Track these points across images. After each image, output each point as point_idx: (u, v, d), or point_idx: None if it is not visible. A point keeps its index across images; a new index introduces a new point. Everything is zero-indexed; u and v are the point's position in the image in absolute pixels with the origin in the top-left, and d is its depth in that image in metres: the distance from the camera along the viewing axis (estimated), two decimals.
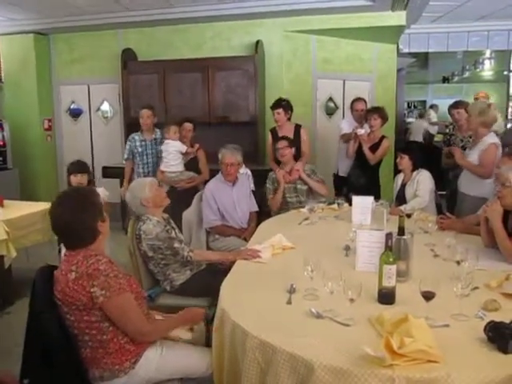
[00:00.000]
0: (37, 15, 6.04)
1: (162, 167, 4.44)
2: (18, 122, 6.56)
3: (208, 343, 2.28)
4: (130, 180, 4.58)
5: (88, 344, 1.76)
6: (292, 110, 4.51)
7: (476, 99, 4.62)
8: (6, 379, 1.14)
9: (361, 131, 4.37)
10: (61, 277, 1.74)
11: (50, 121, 6.87)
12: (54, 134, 6.99)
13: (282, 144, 3.97)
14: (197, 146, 4.53)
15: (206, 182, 4.36)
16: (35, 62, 6.59)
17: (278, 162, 4.15)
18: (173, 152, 4.39)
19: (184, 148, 4.41)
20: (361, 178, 4.44)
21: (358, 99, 4.89)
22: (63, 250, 2.22)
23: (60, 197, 1.82)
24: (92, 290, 1.68)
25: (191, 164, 4.51)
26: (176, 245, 2.64)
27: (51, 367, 1.66)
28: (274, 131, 4.57)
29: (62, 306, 1.73)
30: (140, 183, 2.79)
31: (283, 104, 4.42)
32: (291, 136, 4.32)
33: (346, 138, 4.73)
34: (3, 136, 5.93)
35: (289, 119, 4.50)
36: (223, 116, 5.74)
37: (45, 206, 4.13)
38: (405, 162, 3.77)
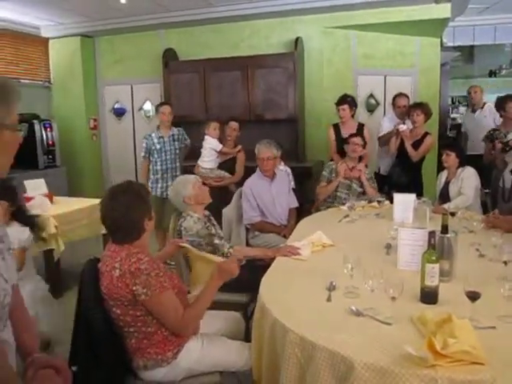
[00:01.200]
0: (83, 19, 6.27)
1: (199, 161, 4.54)
2: (66, 122, 6.83)
3: (247, 338, 2.32)
4: (147, 178, 4.69)
5: (133, 335, 1.82)
6: (356, 107, 4.53)
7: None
8: (58, 364, 1.20)
9: (403, 127, 4.28)
10: (106, 273, 1.80)
11: (95, 120, 7.12)
12: (99, 133, 7.24)
13: (358, 140, 4.00)
14: (239, 147, 4.57)
15: (238, 183, 4.41)
16: (81, 64, 6.84)
17: (341, 156, 4.19)
18: (207, 148, 4.45)
19: (219, 146, 4.46)
20: (402, 175, 4.35)
21: (400, 95, 4.80)
22: None
23: (112, 191, 1.86)
24: (134, 288, 1.73)
25: (229, 163, 4.55)
26: (216, 241, 2.68)
27: (98, 355, 1.73)
28: (336, 126, 4.60)
29: (107, 299, 1.80)
30: (184, 180, 2.82)
31: (349, 100, 4.48)
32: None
33: (385, 139, 4.66)
34: (52, 136, 6.16)
35: (352, 116, 4.50)
36: (263, 114, 5.76)
37: (91, 202, 4.30)
38: (451, 159, 3.66)
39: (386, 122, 4.77)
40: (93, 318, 1.75)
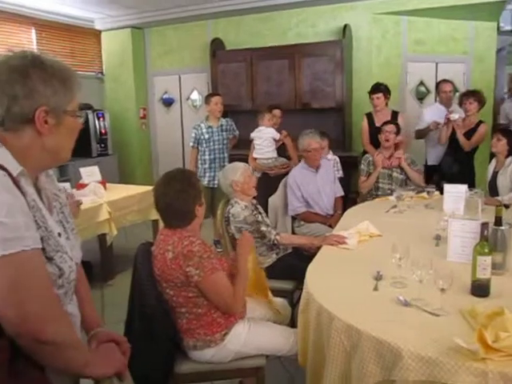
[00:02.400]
0: (133, 11, 6.43)
1: (255, 154, 4.53)
2: (117, 112, 7.08)
3: (292, 324, 2.35)
4: (195, 167, 4.76)
5: (184, 315, 1.91)
6: (390, 95, 4.44)
7: None
8: (118, 338, 1.28)
9: (454, 116, 4.14)
10: (159, 255, 1.88)
11: (144, 110, 7.33)
12: (149, 123, 7.44)
13: (390, 127, 3.92)
14: (284, 132, 4.57)
15: None
16: (132, 55, 7.04)
17: (375, 146, 4.11)
18: (268, 138, 4.47)
19: (277, 135, 4.47)
20: (453, 166, 4.22)
21: (444, 80, 4.66)
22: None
23: (166, 177, 1.96)
24: (187, 269, 1.80)
25: (278, 150, 4.58)
26: (263, 228, 2.73)
27: (151, 333, 1.82)
28: (369, 115, 4.53)
29: (160, 281, 1.89)
30: (234, 166, 2.87)
31: (383, 88, 4.38)
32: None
33: (422, 133, 4.55)
34: (104, 125, 6.41)
35: (386, 104, 4.43)
36: (309, 102, 5.73)
37: (141, 189, 4.45)
38: (501, 144, 3.51)
39: (427, 115, 4.62)
40: (147, 297, 1.85)
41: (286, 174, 4.31)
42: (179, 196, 1.88)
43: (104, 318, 3.35)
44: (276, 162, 4.46)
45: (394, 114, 4.45)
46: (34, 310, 0.97)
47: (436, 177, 4.44)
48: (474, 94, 4.18)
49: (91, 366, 1.10)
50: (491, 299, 1.75)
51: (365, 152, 4.44)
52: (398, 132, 3.95)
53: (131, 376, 1.74)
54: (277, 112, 4.65)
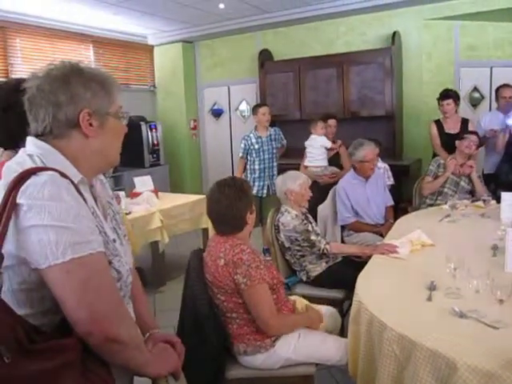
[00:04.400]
0: (184, 25, 6.65)
1: (306, 162, 4.55)
2: (168, 123, 7.30)
3: (342, 334, 2.33)
4: (243, 177, 4.77)
5: (235, 321, 1.94)
6: (459, 101, 4.34)
7: None
8: (173, 339, 1.33)
9: None
10: (210, 262, 1.93)
11: (195, 121, 7.52)
12: (199, 133, 7.63)
13: (474, 138, 3.84)
14: (339, 142, 4.57)
15: None
16: (183, 68, 7.26)
17: (450, 152, 4.05)
18: (318, 147, 4.48)
19: (329, 143, 4.48)
20: (510, 174, 4.04)
21: (505, 85, 4.47)
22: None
23: (219, 184, 2.01)
24: (235, 277, 1.84)
25: (334, 160, 4.57)
26: (313, 237, 2.72)
27: (202, 336, 1.86)
28: (438, 122, 4.45)
29: (212, 287, 1.93)
30: (296, 175, 2.90)
31: (452, 94, 4.30)
32: (457, 129, 4.25)
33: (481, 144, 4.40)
34: (157, 136, 6.63)
35: (456, 111, 4.35)
36: (358, 111, 5.68)
37: (192, 198, 4.56)
38: None
39: (484, 122, 4.44)
40: (199, 302, 1.89)
41: (336, 183, 4.29)
42: (232, 203, 1.92)
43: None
44: (326, 170, 4.45)
45: (465, 121, 4.34)
46: (105, 310, 1.02)
47: (492, 185, 4.26)
48: None
49: (149, 366, 1.14)
50: None
51: (435, 155, 4.33)
52: (479, 145, 3.89)
53: (186, 377, 1.79)
54: (332, 122, 4.66)
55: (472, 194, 3.84)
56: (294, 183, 2.79)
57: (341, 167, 4.53)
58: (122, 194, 3.97)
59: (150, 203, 4.07)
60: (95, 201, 1.18)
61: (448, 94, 4.29)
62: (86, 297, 0.99)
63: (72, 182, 1.05)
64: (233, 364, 2.01)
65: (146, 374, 1.15)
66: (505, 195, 2.98)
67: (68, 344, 0.98)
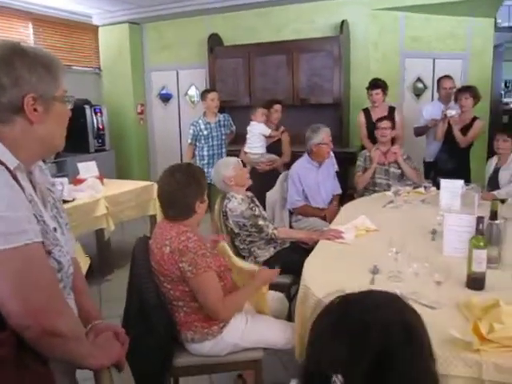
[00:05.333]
0: (130, 6, 6.41)
1: (246, 148, 4.55)
2: (114, 107, 7.05)
3: (290, 318, 2.37)
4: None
5: (182, 309, 1.92)
6: (388, 91, 4.46)
7: None
8: (116, 329, 1.29)
9: (451, 112, 4.15)
10: (156, 249, 1.89)
11: (142, 105, 7.31)
12: (146, 118, 7.43)
13: (385, 124, 3.94)
14: (282, 128, 4.58)
15: (287, 164, 4.42)
16: (129, 51, 7.02)
17: (373, 141, 4.15)
18: (256, 134, 4.47)
19: (268, 131, 4.47)
20: (449, 161, 4.24)
21: (445, 76, 4.67)
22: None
23: (173, 168, 1.98)
24: (181, 264, 1.81)
25: (275, 146, 4.58)
26: (260, 222, 2.74)
27: (149, 325, 1.83)
28: (366, 111, 4.55)
29: (158, 275, 1.90)
30: (225, 162, 2.89)
31: (381, 84, 4.41)
32: None
33: (420, 131, 4.57)
34: (102, 120, 6.39)
35: (383, 100, 4.46)
36: (307, 98, 5.73)
37: (139, 184, 4.47)
38: (508, 145, 3.54)
39: (426, 112, 4.63)
40: (145, 291, 1.86)
41: (274, 170, 4.34)
42: (181, 187, 1.89)
43: (102, 313, 3.36)
44: (262, 157, 4.46)
45: (391, 110, 4.47)
46: (42, 302, 0.98)
47: (433, 173, 4.46)
48: (469, 90, 4.19)
49: (91, 358, 1.11)
50: (486, 292, 1.77)
51: (363, 147, 4.45)
52: (393, 127, 3.97)
53: (131, 367, 1.76)
54: (278, 107, 4.63)
55: (404, 177, 3.91)
56: (227, 169, 2.78)
57: (280, 154, 4.56)
58: (64, 180, 3.81)
59: (94, 190, 3.94)
60: (34, 188, 1.13)
61: (377, 84, 4.41)
62: (21, 288, 0.95)
63: (7, 169, 0.99)
64: (181, 352, 1.99)
65: (87, 366, 1.11)
66: (444, 182, 3.12)
67: (0, 339, 0.93)
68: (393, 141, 4.05)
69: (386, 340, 0.73)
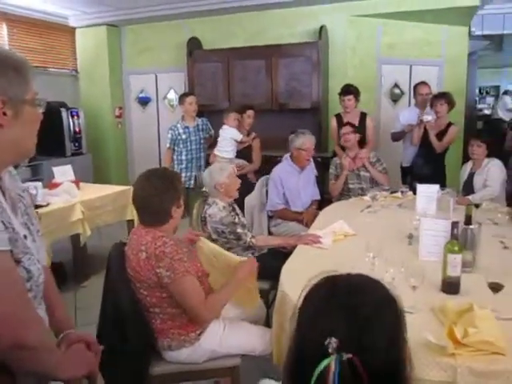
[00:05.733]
0: (108, 8, 6.33)
1: (215, 151, 4.53)
2: (92, 110, 6.95)
3: (267, 324, 2.36)
4: (171, 168, 4.71)
5: (158, 316, 1.88)
6: (360, 96, 4.50)
7: None
8: (88, 339, 1.26)
9: (427, 118, 4.22)
10: (132, 255, 1.86)
11: (120, 109, 7.22)
12: (125, 122, 7.34)
13: (346, 129, 3.98)
14: (253, 134, 4.57)
15: (257, 171, 4.42)
16: (107, 53, 6.93)
17: (344, 148, 4.15)
18: (228, 138, 4.46)
19: (239, 136, 4.47)
20: (425, 166, 4.31)
21: (422, 83, 4.75)
22: None
23: (148, 173, 1.94)
24: (158, 270, 1.78)
25: (245, 152, 4.57)
26: (239, 230, 2.73)
27: (124, 334, 1.80)
28: (338, 117, 4.57)
29: (134, 281, 1.86)
30: (221, 167, 2.88)
31: (353, 90, 4.44)
32: (356, 122, 4.34)
33: (397, 136, 4.64)
34: (79, 123, 6.27)
35: (355, 106, 4.50)
36: (286, 103, 5.75)
37: (116, 188, 4.40)
38: (482, 151, 3.61)
39: (402, 117, 4.69)
40: (120, 298, 1.82)
41: (243, 176, 4.32)
42: (157, 193, 1.86)
43: (77, 321, 3.29)
44: (231, 163, 4.44)
45: (363, 115, 4.51)
46: (9, 314, 0.95)
47: (409, 177, 4.52)
48: (444, 96, 4.28)
49: (61, 369, 1.08)
50: (461, 296, 1.79)
51: (335, 154, 4.49)
52: (355, 131, 4.01)
53: (105, 378, 1.72)
54: (250, 113, 4.64)
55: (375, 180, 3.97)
56: (221, 175, 2.77)
57: (251, 160, 4.54)
58: (38, 185, 3.73)
59: (70, 194, 3.86)
60: (3, 194, 1.09)
61: (349, 90, 4.45)
62: None
63: None
64: (158, 360, 1.96)
65: (57, 378, 1.08)
66: (420, 187, 3.16)
67: None
68: (361, 145, 4.09)
69: (376, 307, 0.78)
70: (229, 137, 4.45)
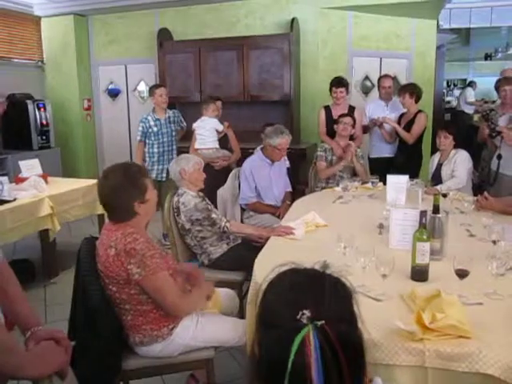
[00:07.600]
0: None
1: (197, 145, 4.46)
2: (60, 103, 6.77)
3: (241, 315, 2.37)
4: (143, 161, 4.65)
5: (129, 312, 1.85)
6: (349, 89, 4.57)
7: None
8: (58, 335, 1.23)
9: (378, 117, 4.37)
10: (102, 251, 1.82)
11: (89, 101, 7.05)
12: (93, 114, 7.19)
13: (348, 120, 4.06)
14: (226, 123, 4.54)
15: (238, 160, 4.41)
16: (75, 44, 6.74)
17: (331, 137, 4.24)
18: (210, 129, 4.42)
19: (221, 127, 4.43)
20: (401, 158, 4.39)
21: (385, 76, 4.83)
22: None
23: (108, 170, 1.89)
24: (129, 267, 1.75)
25: (222, 142, 4.54)
26: (214, 215, 2.75)
27: (95, 330, 1.77)
28: (327, 108, 4.60)
29: (103, 277, 1.83)
30: (189, 157, 2.92)
31: (345, 83, 4.47)
32: None
33: (365, 129, 4.72)
34: (46, 116, 6.11)
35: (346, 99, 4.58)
36: (258, 95, 5.74)
37: (86, 182, 4.31)
38: (449, 142, 3.70)
39: (368, 110, 4.74)
40: (91, 294, 1.78)
41: (229, 166, 4.31)
42: (114, 191, 1.82)
43: (47, 317, 3.23)
44: (218, 152, 4.41)
45: (351, 109, 4.54)
46: None
47: (392, 169, 4.57)
48: (407, 88, 4.37)
49: (26, 368, 1.05)
50: (429, 283, 1.84)
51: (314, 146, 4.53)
52: (354, 124, 4.11)
53: (76, 374, 1.69)
54: (218, 104, 4.64)
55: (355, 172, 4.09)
56: (187, 164, 2.79)
57: (230, 150, 4.53)
58: (4, 179, 3.62)
59: (37, 189, 3.77)
60: None
61: (342, 82, 4.48)
62: None
63: None
64: (130, 355, 1.94)
65: (24, 377, 1.05)
66: (390, 178, 3.21)
67: None
68: (351, 139, 4.18)
69: (335, 286, 0.87)
70: (210, 127, 4.40)
